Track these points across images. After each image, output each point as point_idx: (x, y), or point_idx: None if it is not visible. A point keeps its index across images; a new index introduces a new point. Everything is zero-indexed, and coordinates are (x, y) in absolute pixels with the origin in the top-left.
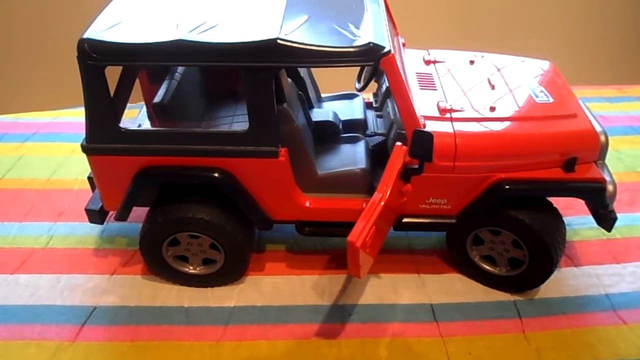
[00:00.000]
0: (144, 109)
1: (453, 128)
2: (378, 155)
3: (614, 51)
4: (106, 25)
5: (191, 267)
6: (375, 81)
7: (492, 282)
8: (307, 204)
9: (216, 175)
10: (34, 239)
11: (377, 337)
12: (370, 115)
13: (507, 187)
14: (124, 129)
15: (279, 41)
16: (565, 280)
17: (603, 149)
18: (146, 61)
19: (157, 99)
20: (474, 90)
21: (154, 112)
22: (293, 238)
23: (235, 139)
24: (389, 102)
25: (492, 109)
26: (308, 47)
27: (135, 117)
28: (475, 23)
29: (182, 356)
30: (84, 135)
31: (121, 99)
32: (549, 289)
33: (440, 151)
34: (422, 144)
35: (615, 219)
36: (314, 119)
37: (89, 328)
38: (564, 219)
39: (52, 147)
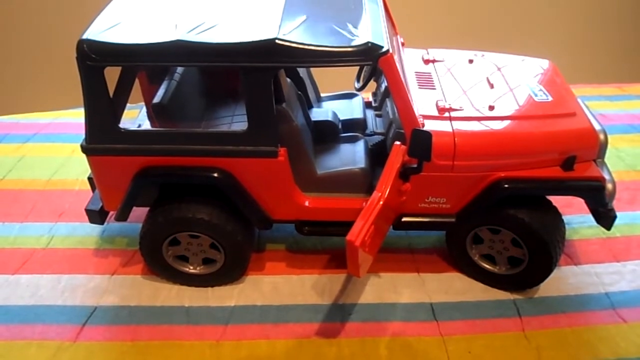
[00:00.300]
0: (144, 109)
1: (452, 127)
2: (377, 155)
3: (614, 50)
4: (105, 26)
5: (191, 267)
6: (374, 80)
7: (492, 281)
8: (307, 203)
9: (216, 175)
10: (35, 240)
11: (377, 336)
12: (370, 114)
13: (506, 185)
14: (123, 129)
15: (277, 41)
16: (565, 279)
17: (602, 147)
18: (145, 62)
19: (156, 100)
20: (473, 90)
21: (154, 113)
22: (293, 237)
23: (235, 139)
24: (388, 102)
25: (491, 108)
26: (306, 47)
27: (135, 117)
28: (474, 22)
29: (183, 356)
30: (84, 136)
31: (121, 100)
32: (548, 288)
33: (439, 150)
34: (421, 143)
35: (615, 217)
36: (313, 119)
37: (90, 328)
38: (563, 217)
39: (52, 148)
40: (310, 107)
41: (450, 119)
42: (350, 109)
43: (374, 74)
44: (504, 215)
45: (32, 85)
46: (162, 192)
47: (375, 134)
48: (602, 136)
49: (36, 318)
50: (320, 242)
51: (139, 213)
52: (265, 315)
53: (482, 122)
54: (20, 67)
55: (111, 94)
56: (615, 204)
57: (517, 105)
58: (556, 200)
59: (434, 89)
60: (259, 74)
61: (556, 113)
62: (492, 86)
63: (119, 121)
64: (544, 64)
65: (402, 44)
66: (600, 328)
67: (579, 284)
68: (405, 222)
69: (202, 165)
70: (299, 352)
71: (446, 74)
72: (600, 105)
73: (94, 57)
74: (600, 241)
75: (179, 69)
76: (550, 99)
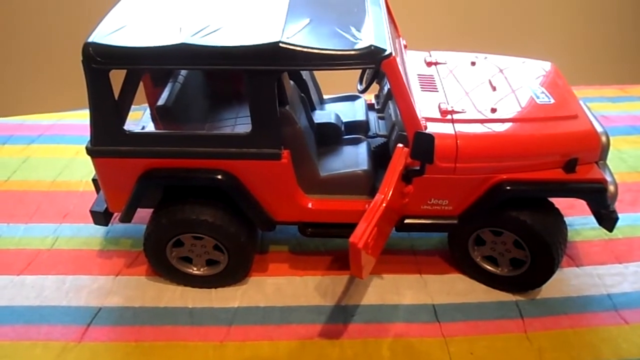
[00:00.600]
0: (148, 111)
1: (454, 129)
2: (380, 157)
3: (616, 51)
4: (110, 29)
5: (195, 268)
6: (377, 83)
7: (494, 283)
8: (310, 205)
9: (219, 177)
10: (40, 241)
11: (379, 337)
12: (372, 116)
13: (508, 188)
14: (128, 131)
15: (281, 44)
16: (567, 281)
17: (604, 149)
18: (150, 65)
19: (160, 102)
20: (475, 92)
21: (158, 115)
22: (296, 239)
23: (238, 141)
24: (390, 104)
25: (494, 110)
26: (310, 50)
27: (139, 119)
28: (476, 24)
29: (186, 356)
30: (88, 138)
31: (125, 102)
32: (550, 289)
33: (442, 153)
34: (423, 145)
35: (617, 219)
36: (316, 121)
37: (94, 329)
38: (565, 219)
39: (57, 149)
40: (313, 109)
41: (453, 121)
42: (353, 112)
43: (377, 76)
44: (506, 217)
45: (37, 86)
46: (166, 193)
47: (377, 136)
48: (604, 138)
49: (41, 319)
50: (323, 243)
51: (143, 214)
52: (268, 317)
53: (484, 124)
54: (25, 69)
55: (116, 97)
56: (617, 205)
57: (519, 108)
58: (558, 202)
59: (437, 91)
60: (262, 76)
61: (558, 115)
62: (494, 88)
63: (123, 123)
64: (545, 66)
65: (405, 47)
66: (602, 329)
67: (581, 286)
68: (407, 223)
69: (205, 167)
70: (302, 353)
71: (448, 77)
72: (602, 107)
73: (99, 60)
74: (602, 243)
75: (183, 72)
76: (552, 101)
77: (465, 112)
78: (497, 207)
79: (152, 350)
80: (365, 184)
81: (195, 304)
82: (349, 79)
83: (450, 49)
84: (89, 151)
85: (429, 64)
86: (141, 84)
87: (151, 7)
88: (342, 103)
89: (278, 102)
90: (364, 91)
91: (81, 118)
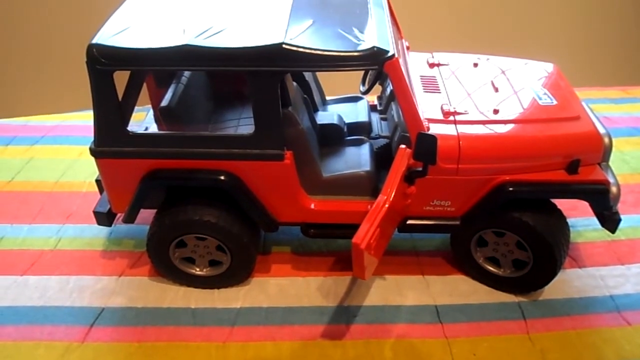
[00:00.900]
0: (151, 112)
1: (457, 131)
2: (382, 158)
3: (618, 52)
4: (114, 30)
5: (198, 269)
6: (379, 84)
7: (496, 284)
8: (312, 206)
9: (222, 177)
10: (43, 241)
11: (381, 338)
12: (375, 118)
13: (510, 189)
14: (131, 132)
15: (284, 46)
16: (570, 282)
17: (606, 151)
18: (154, 66)
19: (164, 103)
20: (477, 93)
21: (161, 116)
22: (298, 240)
23: (241, 142)
24: (393, 105)
25: (496, 111)
26: (313, 51)
27: (142, 120)
28: (478, 26)
29: (189, 357)
30: (92, 138)
31: (129, 103)
32: (553, 290)
33: (444, 154)
34: (425, 146)
35: (620, 220)
36: (319, 122)
37: (97, 329)
38: (568, 220)
39: (60, 150)
40: (316, 110)
41: (455, 122)
42: (356, 113)
43: (380, 77)
44: (509, 218)
45: (41, 87)
46: (169, 194)
47: (380, 137)
48: (606, 139)
49: (44, 319)
50: (326, 244)
51: (146, 215)
52: (271, 317)
53: (487, 125)
54: (29, 70)
55: (120, 98)
56: (619, 207)
57: (522, 109)
58: (561, 203)
59: (439, 92)
60: (265, 78)
61: (560, 116)
62: (496, 90)
63: (127, 124)
64: (548, 67)
65: (407, 48)
66: (605, 331)
67: (583, 287)
68: (410, 224)
69: (209, 168)
70: (304, 354)
71: (451, 78)
72: (604, 108)
73: (103, 62)
74: (605, 244)
75: (186, 73)
76: (554, 102)
77: (467, 113)
78: (500, 208)
79: (155, 351)
80: (368, 185)
81: (198, 304)
82: (352, 80)
83: (452, 50)
84: (93, 152)
85: (432, 65)
86: (145, 85)
87: (155, 9)
88: (344, 104)
89: (281, 103)
90: (366, 92)
91: (85, 119)
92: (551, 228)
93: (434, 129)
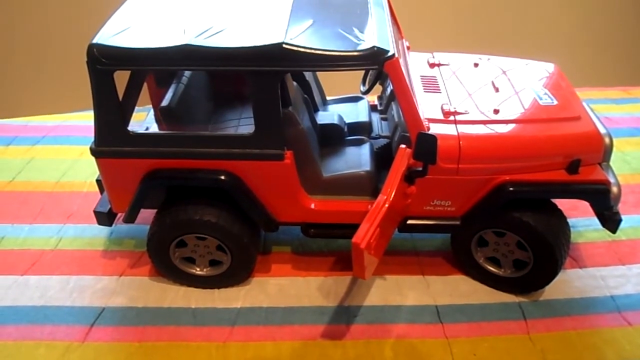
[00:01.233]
0: (151, 111)
1: (457, 130)
2: (383, 158)
3: (619, 53)
4: (115, 30)
5: (198, 269)
6: (379, 84)
7: (497, 284)
8: (313, 206)
9: (222, 177)
10: (44, 241)
11: (382, 338)
12: (375, 117)
13: (511, 189)
14: (132, 132)
15: (284, 45)
16: (570, 282)
17: (607, 151)
18: (154, 66)
19: (164, 103)
20: (478, 93)
21: (162, 116)
22: (299, 240)
23: (242, 142)
24: (393, 105)
25: (496, 111)
26: (313, 51)
27: (142, 120)
28: (479, 26)
29: (190, 357)
30: (92, 138)
31: (129, 103)
32: (553, 291)
33: (444, 153)
34: (426, 146)
35: (620, 220)
36: (319, 122)
37: (98, 329)
38: (568, 220)
39: (61, 150)
40: (316, 110)
41: (456, 122)
42: (356, 113)
43: (380, 77)
44: (509, 218)
45: (41, 87)
46: (170, 194)
47: (380, 137)
48: (607, 139)
49: (45, 319)
50: (326, 244)
51: (147, 215)
52: (271, 317)
53: (487, 125)
54: (29, 70)
55: (120, 98)
56: (620, 207)
57: (522, 109)
58: (561, 203)
59: (439, 92)
60: (266, 78)
61: (561, 116)
62: (497, 90)
63: (127, 124)
64: (549, 67)
65: (408, 48)
66: (606, 331)
67: (584, 287)
68: (410, 224)
69: (209, 167)
70: (304, 354)
71: (451, 78)
72: (605, 109)
73: (104, 62)
74: (606, 244)
75: (187, 73)
76: (555, 102)
77: (468, 113)
78: (500, 208)
79: (155, 351)
80: (368, 184)
81: (198, 304)
82: (352, 80)
83: (453, 50)
84: (93, 152)
85: (432, 65)
86: (145, 85)
87: (155, 9)
88: (345, 104)
89: (281, 103)
90: (366, 92)
91: (85, 119)
92: (552, 228)
93: (434, 129)
